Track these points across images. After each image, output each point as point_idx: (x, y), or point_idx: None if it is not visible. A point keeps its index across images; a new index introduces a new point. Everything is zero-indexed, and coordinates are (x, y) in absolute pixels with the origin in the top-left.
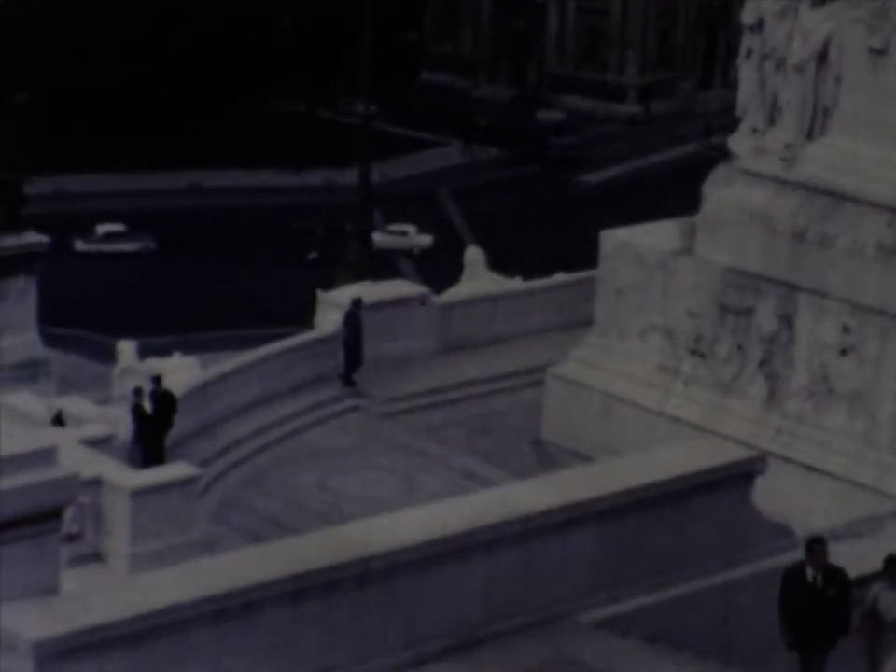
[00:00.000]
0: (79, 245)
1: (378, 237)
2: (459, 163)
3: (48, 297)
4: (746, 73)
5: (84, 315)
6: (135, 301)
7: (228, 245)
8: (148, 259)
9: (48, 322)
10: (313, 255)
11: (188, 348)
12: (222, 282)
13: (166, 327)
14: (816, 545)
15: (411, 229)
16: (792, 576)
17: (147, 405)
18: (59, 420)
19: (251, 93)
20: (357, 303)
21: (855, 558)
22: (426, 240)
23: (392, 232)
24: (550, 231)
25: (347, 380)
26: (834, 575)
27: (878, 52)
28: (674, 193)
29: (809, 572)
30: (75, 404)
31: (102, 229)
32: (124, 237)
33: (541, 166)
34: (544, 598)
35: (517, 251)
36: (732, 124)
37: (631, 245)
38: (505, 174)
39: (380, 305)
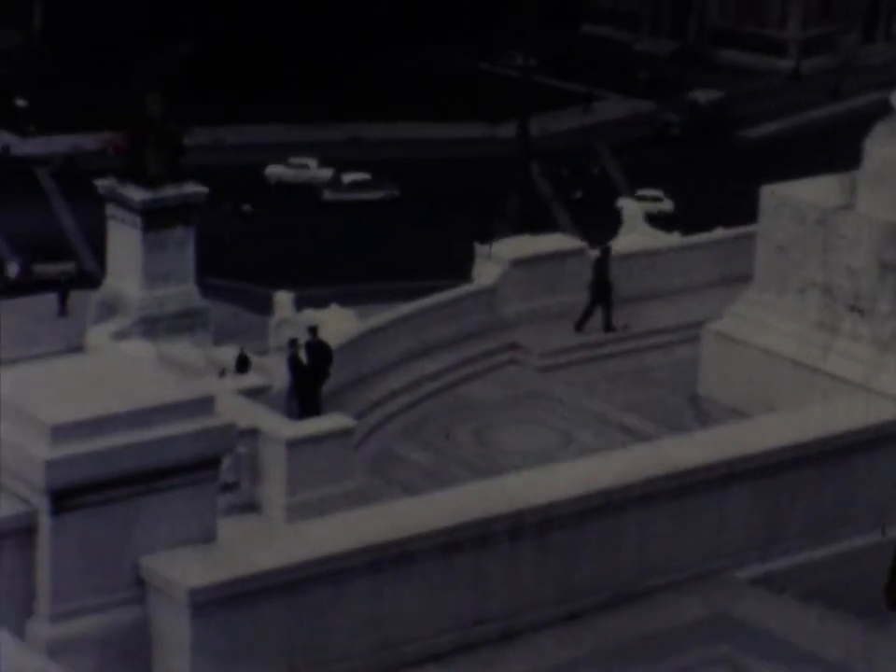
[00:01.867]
0: (327, 195)
1: (279, 170)
2: (620, 117)
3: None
4: None
5: (248, 265)
6: (313, 251)
7: (448, 196)
8: (391, 207)
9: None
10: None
11: (344, 300)
12: (439, 229)
13: (326, 278)
14: None
15: (312, 162)
16: None
17: (304, 356)
18: (242, 364)
19: (412, 45)
20: (605, 251)
21: None
22: (326, 173)
23: (294, 165)
24: (709, 186)
25: (607, 326)
26: None
27: None
28: (834, 148)
29: None
30: (231, 354)
31: (347, 178)
32: (369, 186)
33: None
34: (699, 554)
35: (676, 206)
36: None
37: (791, 200)
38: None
39: (537, 259)
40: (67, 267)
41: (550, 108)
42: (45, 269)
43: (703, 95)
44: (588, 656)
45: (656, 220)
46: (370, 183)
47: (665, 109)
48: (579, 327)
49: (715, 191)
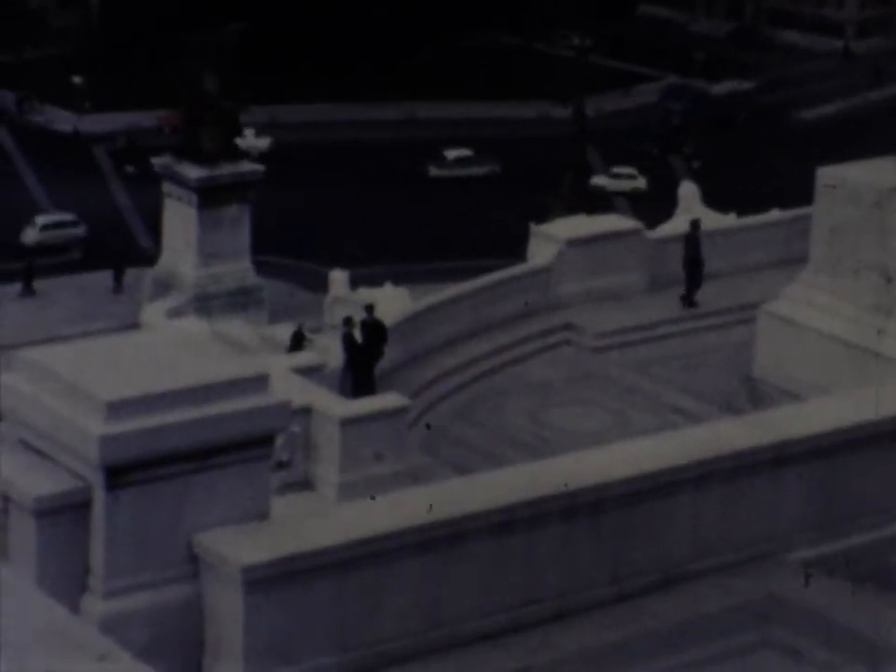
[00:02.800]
0: (433, 171)
1: None
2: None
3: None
4: None
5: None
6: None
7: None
8: (494, 182)
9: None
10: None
11: (399, 279)
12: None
13: (380, 257)
14: None
15: (248, 132)
16: None
17: (358, 334)
18: (298, 340)
19: (467, 25)
20: (695, 225)
21: None
22: (263, 143)
23: None
24: (765, 167)
25: (689, 301)
26: None
27: None
28: (891, 130)
29: None
30: (287, 332)
31: (451, 154)
32: (473, 162)
33: None
34: (752, 536)
35: (732, 187)
36: None
37: (847, 182)
38: (724, 111)
39: (593, 239)
40: None
41: (605, 89)
42: None
43: (726, 86)
44: (640, 637)
45: (628, 197)
46: (473, 159)
47: (667, 97)
48: (690, 303)
49: (772, 172)
